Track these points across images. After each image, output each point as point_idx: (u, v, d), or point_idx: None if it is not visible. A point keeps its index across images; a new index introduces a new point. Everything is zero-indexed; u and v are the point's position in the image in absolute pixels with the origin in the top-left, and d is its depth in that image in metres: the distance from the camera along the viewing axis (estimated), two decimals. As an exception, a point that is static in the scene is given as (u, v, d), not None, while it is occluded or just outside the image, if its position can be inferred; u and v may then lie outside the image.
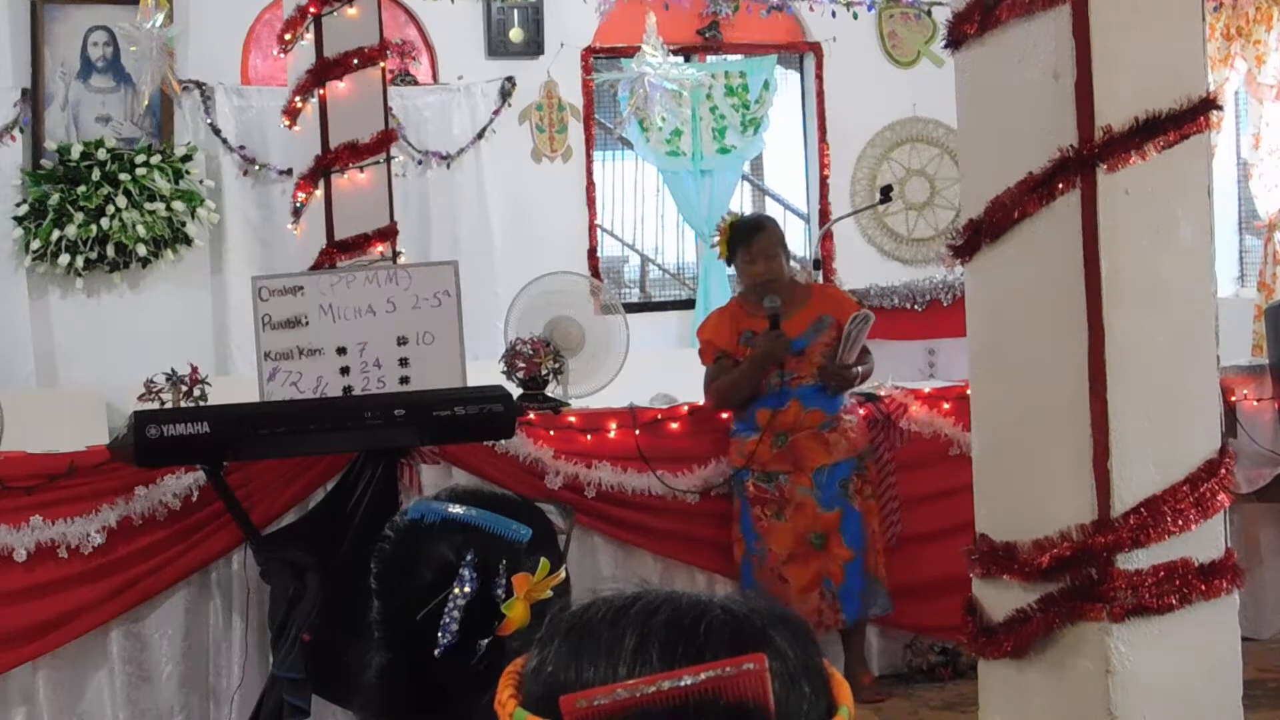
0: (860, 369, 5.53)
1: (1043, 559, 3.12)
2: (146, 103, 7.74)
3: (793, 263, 5.75)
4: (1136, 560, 3.08)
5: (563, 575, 1.81)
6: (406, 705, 1.85)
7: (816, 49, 9.45)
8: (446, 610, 1.80)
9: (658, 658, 1.09)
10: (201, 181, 8.09)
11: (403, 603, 1.84)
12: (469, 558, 1.81)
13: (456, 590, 1.80)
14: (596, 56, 9.03)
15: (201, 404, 5.30)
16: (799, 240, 9.56)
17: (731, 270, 9.30)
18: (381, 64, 6.44)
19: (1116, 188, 3.08)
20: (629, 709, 1.06)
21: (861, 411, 5.67)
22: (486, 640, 1.79)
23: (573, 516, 2.00)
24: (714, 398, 5.60)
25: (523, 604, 1.78)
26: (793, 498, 5.44)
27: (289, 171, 7.37)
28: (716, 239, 5.75)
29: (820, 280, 8.71)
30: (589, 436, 5.58)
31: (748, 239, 5.57)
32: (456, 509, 1.87)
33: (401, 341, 5.30)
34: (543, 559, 1.80)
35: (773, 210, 9.58)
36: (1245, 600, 3.47)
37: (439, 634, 1.80)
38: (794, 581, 5.43)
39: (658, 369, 6.63)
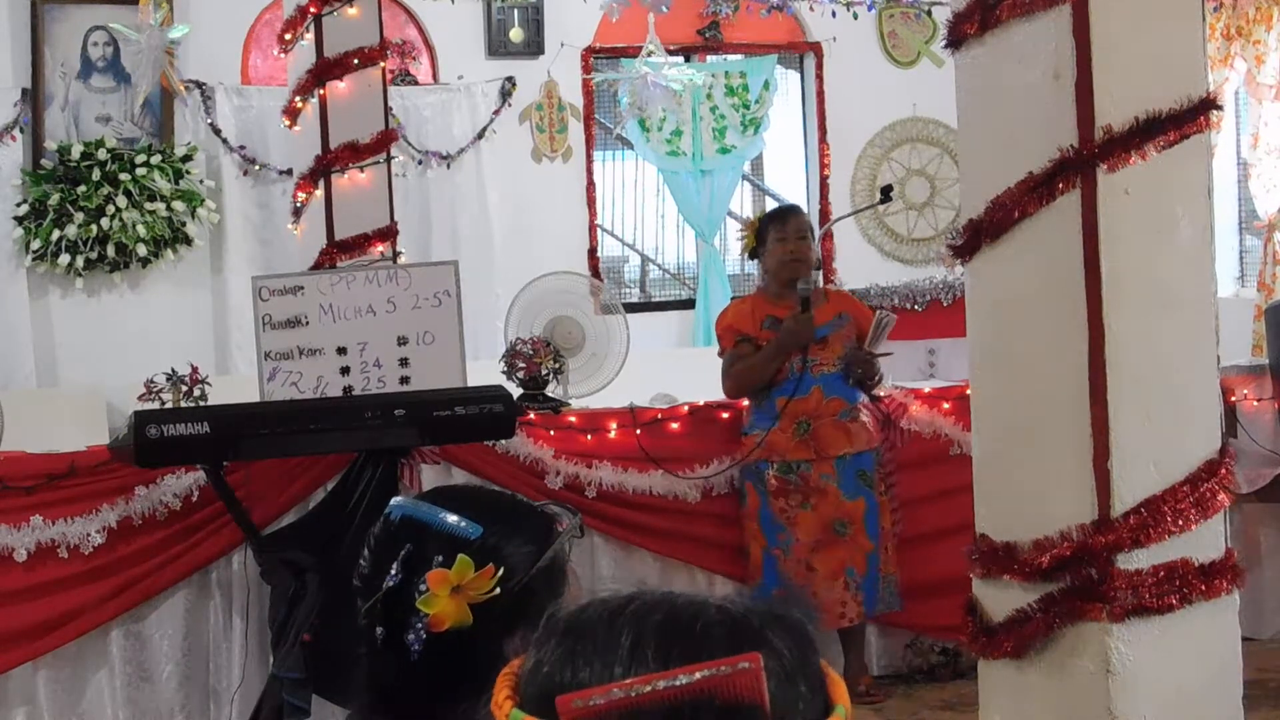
0: (879, 366, 5.56)
1: (1043, 559, 3.12)
2: (143, 100, 7.73)
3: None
4: (1136, 560, 3.08)
5: (494, 572, 1.81)
6: (372, 701, 1.87)
7: (816, 49, 9.45)
8: (374, 606, 1.83)
9: (653, 658, 1.09)
10: (202, 181, 8.09)
11: (365, 599, 1.87)
12: (402, 554, 1.83)
13: (383, 586, 1.82)
14: (596, 56, 9.03)
15: (201, 404, 5.30)
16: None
17: (734, 270, 9.40)
18: (381, 64, 6.44)
19: (1116, 188, 3.08)
20: (624, 709, 1.06)
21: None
22: (414, 637, 1.79)
23: (579, 519, 2.00)
24: (734, 380, 5.58)
25: (449, 601, 1.79)
26: (817, 485, 5.45)
27: (289, 171, 7.36)
28: (744, 232, 5.76)
29: (820, 281, 8.71)
30: (589, 436, 5.59)
31: (782, 218, 5.65)
32: (416, 506, 1.89)
33: (402, 341, 5.30)
34: (461, 556, 1.80)
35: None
36: (1245, 600, 3.47)
37: (374, 629, 1.83)
38: (820, 570, 5.44)
39: (658, 369, 6.63)
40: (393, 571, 1.82)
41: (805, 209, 9.39)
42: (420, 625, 1.79)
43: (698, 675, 1.06)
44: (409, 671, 1.82)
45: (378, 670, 1.85)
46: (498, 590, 1.80)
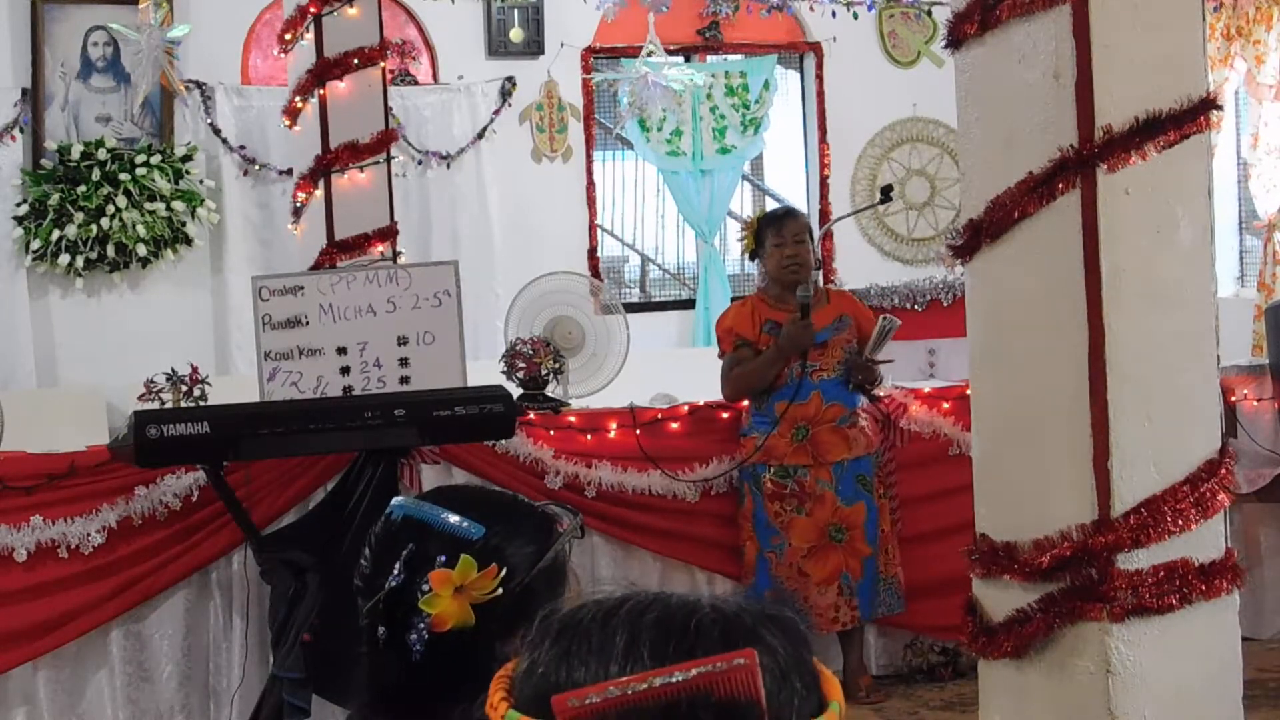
0: (880, 370, 5.56)
1: (1043, 559, 3.12)
2: (143, 100, 7.72)
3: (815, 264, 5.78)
4: (1136, 560, 3.08)
5: (497, 573, 1.81)
6: (372, 700, 1.87)
7: (816, 49, 9.45)
8: (376, 606, 1.82)
9: (649, 655, 1.09)
10: (201, 181, 8.09)
11: (366, 599, 1.87)
12: (404, 554, 1.82)
13: (384, 586, 1.82)
14: (596, 56, 9.03)
15: (201, 404, 5.30)
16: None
17: (734, 270, 9.39)
18: (381, 64, 6.44)
19: (1116, 188, 3.08)
20: (621, 707, 1.06)
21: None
22: (416, 636, 1.79)
23: (579, 519, 1.99)
24: (733, 385, 5.58)
25: (452, 601, 1.78)
26: (813, 491, 5.45)
27: (289, 171, 7.36)
28: (744, 234, 5.76)
29: (820, 280, 8.71)
30: (589, 436, 5.59)
31: (779, 222, 5.62)
32: (417, 506, 1.89)
33: (402, 341, 5.30)
34: (464, 556, 1.80)
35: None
36: (1245, 600, 3.47)
37: (375, 629, 1.83)
38: (813, 575, 5.44)
39: (658, 369, 6.64)
40: (395, 571, 1.82)
41: (806, 209, 9.46)
42: (423, 625, 1.79)
43: (694, 672, 1.07)
44: (411, 671, 1.82)
45: (379, 670, 1.85)
46: (499, 590, 1.80)
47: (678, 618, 1.12)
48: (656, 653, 1.09)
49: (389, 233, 6.46)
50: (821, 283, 8.71)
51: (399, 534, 1.87)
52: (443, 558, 1.81)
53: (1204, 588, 3.11)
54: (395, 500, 1.94)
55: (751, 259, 5.87)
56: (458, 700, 1.78)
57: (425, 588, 1.80)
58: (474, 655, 1.80)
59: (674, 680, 1.06)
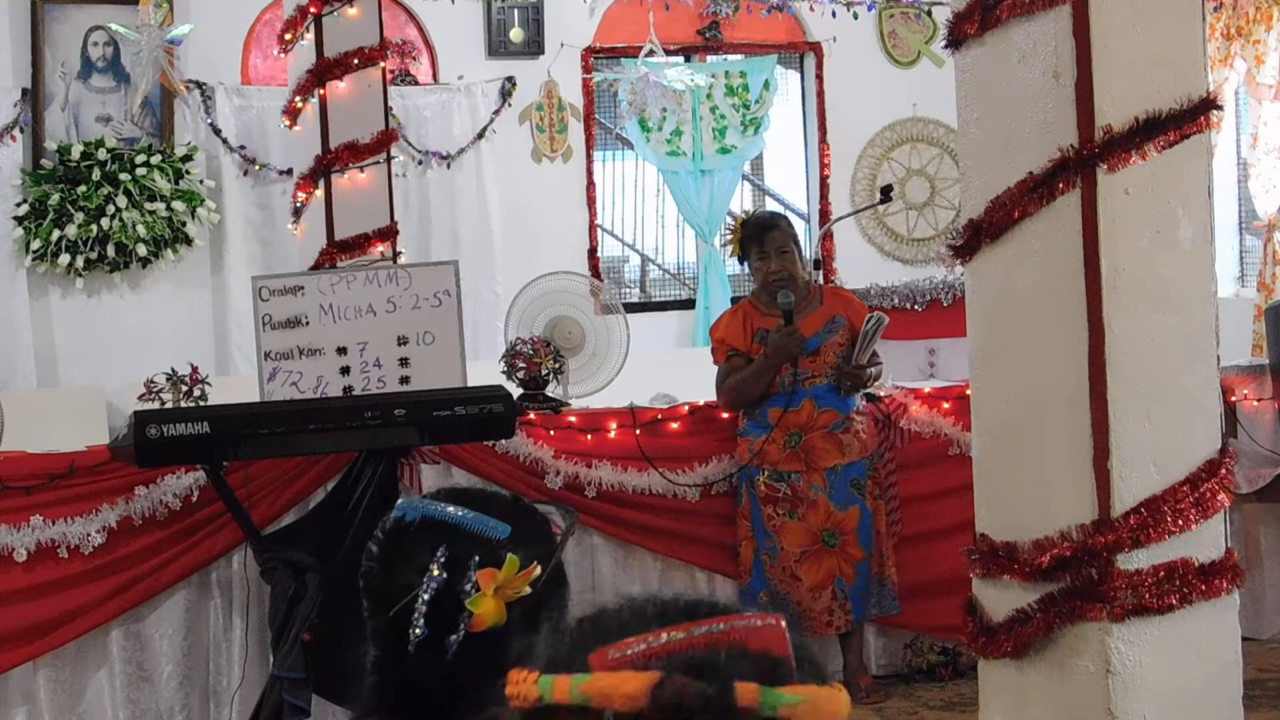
0: (872, 370, 5.54)
1: (1043, 559, 3.12)
2: (141, 100, 7.72)
3: (806, 266, 5.73)
4: (1136, 560, 3.08)
5: (535, 571, 1.81)
6: (392, 703, 1.86)
7: (816, 49, 9.45)
8: (415, 607, 1.81)
9: (682, 618, 1.13)
10: (202, 181, 8.09)
11: (383, 599, 1.86)
12: (439, 555, 1.82)
13: (424, 587, 1.81)
14: (596, 56, 9.03)
15: (201, 404, 5.30)
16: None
17: (734, 270, 9.39)
18: (381, 64, 6.45)
19: (1116, 188, 3.08)
20: (662, 655, 1.08)
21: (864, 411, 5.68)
22: (455, 637, 1.79)
23: (574, 517, 2.00)
24: (727, 396, 5.58)
25: (492, 600, 1.79)
26: (806, 496, 5.44)
27: (289, 171, 7.37)
28: (729, 237, 5.73)
29: (820, 280, 8.70)
30: (589, 436, 5.58)
31: (759, 236, 5.56)
32: (435, 507, 1.88)
33: (402, 341, 5.30)
34: (509, 555, 1.80)
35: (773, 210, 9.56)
36: (1245, 600, 3.47)
37: (410, 631, 1.82)
38: (806, 580, 5.43)
39: (658, 369, 6.63)
40: (435, 572, 1.82)
41: (806, 209, 9.47)
42: (463, 626, 1.79)
43: (733, 624, 1.10)
44: (441, 672, 1.81)
45: (415, 672, 1.83)
46: (528, 590, 1.80)
47: (693, 598, 1.16)
48: (689, 617, 1.13)
49: (389, 233, 6.47)
50: (821, 279, 8.73)
51: (419, 535, 1.86)
52: (477, 558, 1.81)
53: (1204, 588, 3.11)
54: (401, 501, 1.94)
55: (740, 262, 5.84)
56: (455, 699, 1.78)
57: (468, 587, 1.80)
58: (479, 655, 1.81)
59: (715, 630, 1.09)
